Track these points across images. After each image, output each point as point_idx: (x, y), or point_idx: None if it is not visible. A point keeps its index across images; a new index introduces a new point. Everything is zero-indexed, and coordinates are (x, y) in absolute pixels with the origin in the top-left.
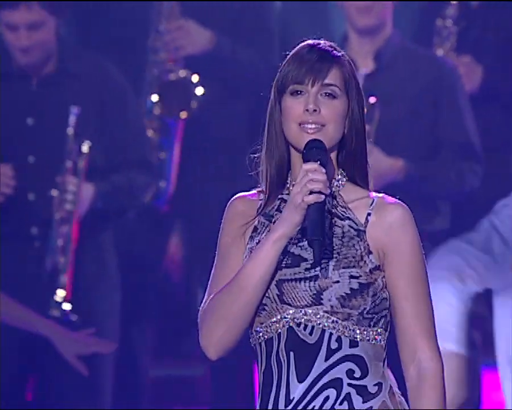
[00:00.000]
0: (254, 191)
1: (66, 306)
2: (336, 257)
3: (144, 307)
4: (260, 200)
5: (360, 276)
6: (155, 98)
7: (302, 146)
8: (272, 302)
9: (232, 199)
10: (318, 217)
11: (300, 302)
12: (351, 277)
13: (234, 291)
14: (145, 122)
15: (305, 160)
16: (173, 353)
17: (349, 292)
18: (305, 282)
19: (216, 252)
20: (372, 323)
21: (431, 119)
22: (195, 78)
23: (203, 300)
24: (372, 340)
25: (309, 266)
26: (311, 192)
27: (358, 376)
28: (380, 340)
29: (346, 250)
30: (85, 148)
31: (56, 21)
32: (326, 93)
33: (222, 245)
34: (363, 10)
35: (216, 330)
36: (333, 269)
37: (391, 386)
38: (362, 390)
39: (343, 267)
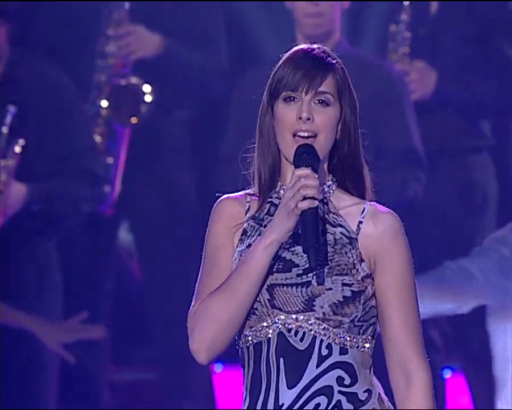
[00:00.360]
0: (240, 193)
1: None
2: (329, 264)
3: (99, 312)
4: (248, 202)
5: (353, 284)
6: (104, 103)
7: (293, 156)
8: (262, 307)
9: (219, 200)
10: (312, 223)
11: (291, 308)
12: (344, 284)
13: (226, 295)
14: (92, 127)
15: (297, 166)
16: (128, 357)
17: (342, 299)
18: (297, 287)
19: (203, 253)
20: (361, 331)
21: (377, 127)
22: (147, 88)
23: (192, 304)
24: (361, 348)
25: (300, 272)
26: (304, 198)
27: (348, 384)
28: (368, 347)
29: (338, 258)
30: (18, 148)
31: (7, 28)
32: (319, 100)
33: (210, 247)
34: (312, 16)
35: (208, 334)
36: (326, 276)
37: (379, 393)
38: (352, 398)
39: (336, 275)
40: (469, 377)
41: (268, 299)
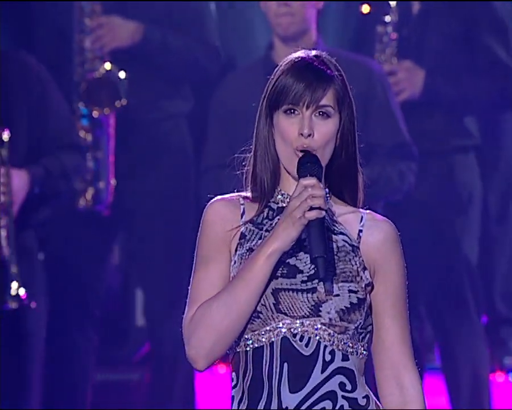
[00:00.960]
0: (233, 194)
1: (21, 291)
2: (334, 271)
3: (89, 312)
4: (242, 204)
5: (358, 291)
6: (82, 102)
7: (294, 169)
8: (267, 310)
9: (212, 201)
10: (319, 234)
11: (297, 313)
12: (350, 291)
13: (227, 303)
14: (80, 124)
15: (302, 175)
16: (111, 358)
17: (349, 306)
18: (302, 293)
19: (195, 256)
20: (361, 338)
21: (362, 125)
22: (108, 65)
23: (187, 308)
24: (360, 355)
25: (305, 278)
26: (311, 208)
27: (349, 389)
28: (364, 354)
29: (343, 265)
30: (6, 136)
31: None
32: (320, 112)
33: (204, 249)
34: (283, 16)
35: (206, 342)
36: (333, 283)
37: (375, 400)
38: (353, 403)
39: (342, 281)
40: (448, 377)
41: (273, 303)
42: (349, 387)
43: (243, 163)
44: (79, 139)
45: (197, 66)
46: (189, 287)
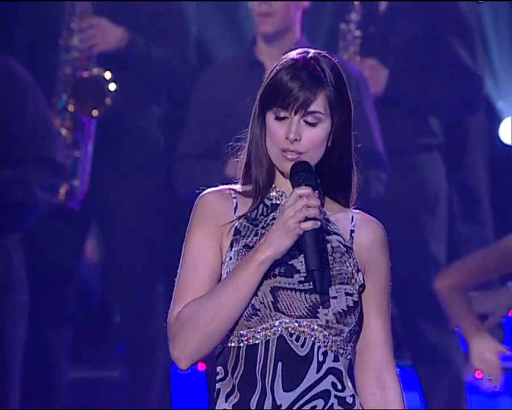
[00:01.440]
0: (224, 187)
1: None
2: (330, 273)
3: (62, 310)
4: (234, 198)
5: (353, 294)
6: (66, 96)
7: (283, 169)
8: (266, 308)
9: (203, 194)
10: (314, 245)
11: (294, 312)
12: (347, 294)
13: (215, 306)
14: (59, 121)
15: (296, 184)
16: (90, 355)
17: (346, 309)
18: (300, 293)
19: (184, 249)
20: (349, 339)
21: None
22: (108, 75)
23: (173, 304)
24: (348, 355)
25: (302, 279)
26: (306, 218)
27: (340, 389)
28: (351, 355)
29: (339, 267)
30: None
31: None
32: (309, 118)
33: (195, 245)
34: (263, 15)
35: (192, 344)
36: (329, 285)
37: (359, 400)
38: (342, 402)
39: (339, 283)
40: (422, 378)
41: (272, 302)
42: (339, 387)
43: (238, 153)
44: (60, 155)
45: (175, 79)
46: (176, 280)
